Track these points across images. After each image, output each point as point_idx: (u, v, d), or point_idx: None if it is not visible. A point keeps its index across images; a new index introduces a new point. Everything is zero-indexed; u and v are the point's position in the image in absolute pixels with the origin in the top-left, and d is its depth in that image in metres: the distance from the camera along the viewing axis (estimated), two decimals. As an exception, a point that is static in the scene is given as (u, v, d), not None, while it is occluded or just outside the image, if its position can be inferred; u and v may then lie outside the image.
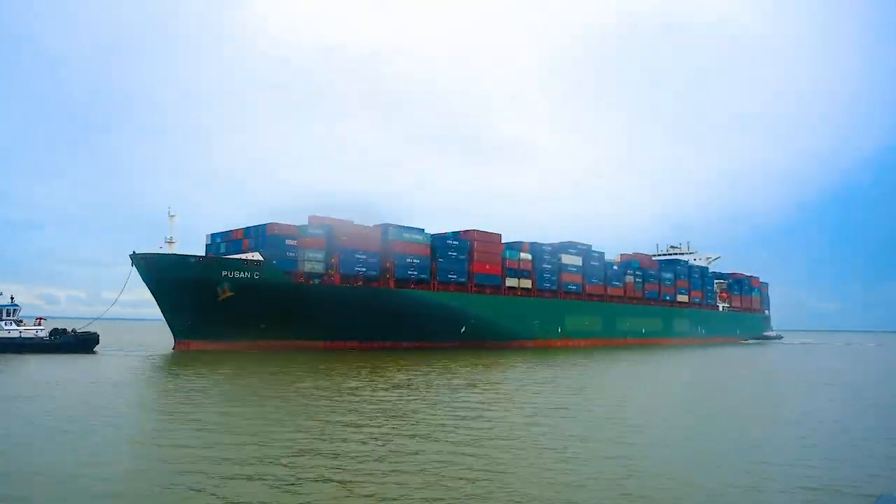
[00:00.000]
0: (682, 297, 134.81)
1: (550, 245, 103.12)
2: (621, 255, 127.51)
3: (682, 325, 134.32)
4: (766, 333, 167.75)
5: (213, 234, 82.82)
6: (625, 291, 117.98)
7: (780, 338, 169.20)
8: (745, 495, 15.64)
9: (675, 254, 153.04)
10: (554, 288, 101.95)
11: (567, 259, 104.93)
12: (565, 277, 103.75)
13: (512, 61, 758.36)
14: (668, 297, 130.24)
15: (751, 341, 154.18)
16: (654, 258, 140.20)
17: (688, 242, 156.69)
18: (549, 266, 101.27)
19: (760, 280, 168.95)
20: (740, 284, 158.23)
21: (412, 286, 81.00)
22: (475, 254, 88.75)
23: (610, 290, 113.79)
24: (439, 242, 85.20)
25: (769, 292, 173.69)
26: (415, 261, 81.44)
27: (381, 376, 43.63)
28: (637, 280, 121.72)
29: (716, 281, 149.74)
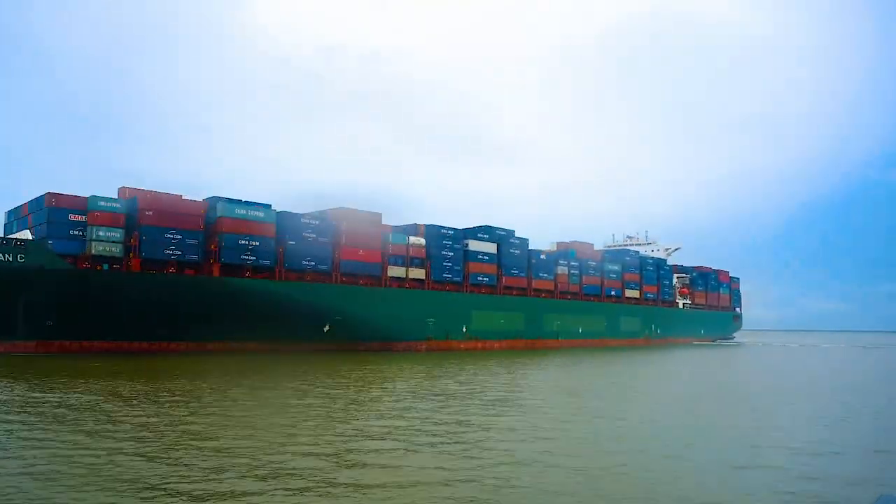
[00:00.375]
0: (633, 293, 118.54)
1: (453, 229, 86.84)
2: (557, 243, 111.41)
3: (631, 325, 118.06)
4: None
5: (9, 211, 67.93)
6: (556, 285, 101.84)
7: (732, 338, 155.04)
8: (742, 498, 14.84)
9: (628, 244, 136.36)
10: (458, 279, 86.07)
11: (476, 246, 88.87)
12: (474, 267, 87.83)
13: (512, 61, 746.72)
14: (613, 293, 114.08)
15: (718, 342, 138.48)
16: (599, 248, 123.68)
17: (645, 232, 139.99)
18: (452, 254, 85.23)
19: (731, 275, 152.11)
20: (705, 279, 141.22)
21: (247, 274, 65.45)
22: (343, 236, 73.04)
23: (535, 284, 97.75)
24: (290, 222, 69.12)
25: (741, 288, 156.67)
26: (253, 243, 65.69)
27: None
28: (573, 272, 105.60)
29: (676, 275, 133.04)
